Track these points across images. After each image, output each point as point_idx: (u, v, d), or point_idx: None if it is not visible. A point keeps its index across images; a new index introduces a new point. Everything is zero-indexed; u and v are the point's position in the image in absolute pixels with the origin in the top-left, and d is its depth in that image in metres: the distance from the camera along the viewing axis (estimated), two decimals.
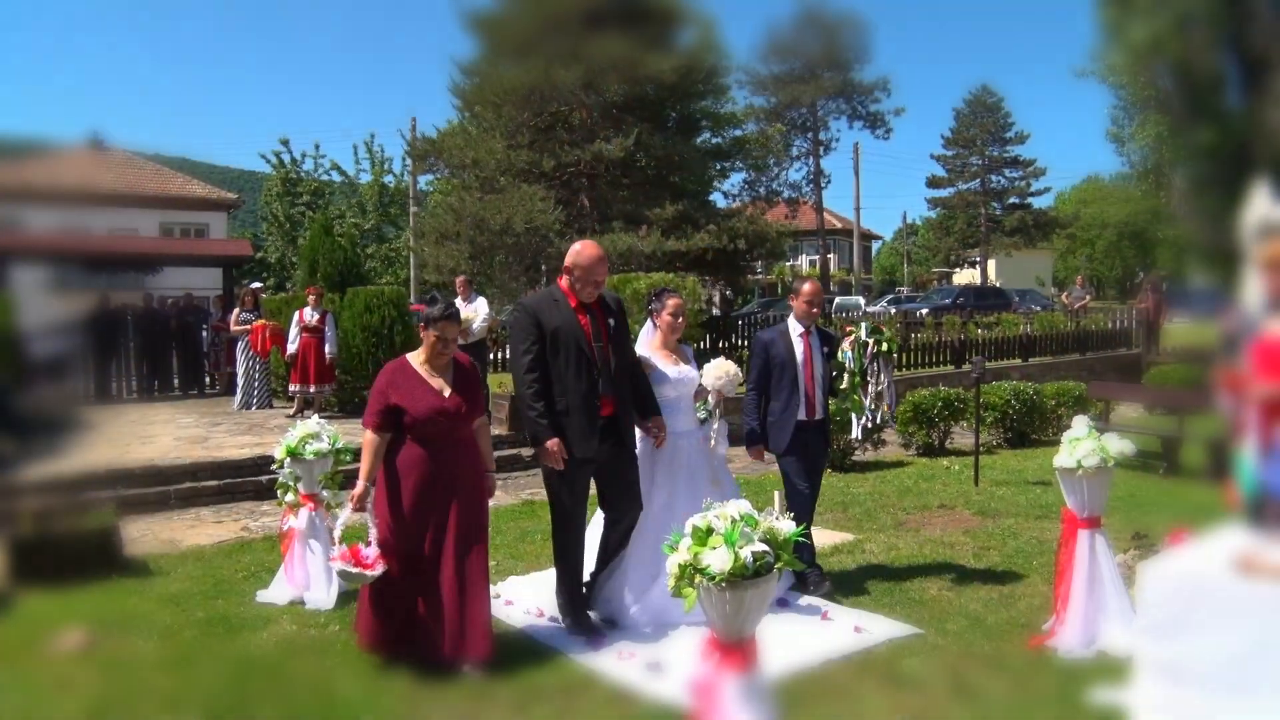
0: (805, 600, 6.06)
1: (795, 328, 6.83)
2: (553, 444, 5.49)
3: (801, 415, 6.61)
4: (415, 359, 5.37)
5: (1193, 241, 4.68)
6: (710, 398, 6.48)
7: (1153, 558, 4.79)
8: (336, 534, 5.15)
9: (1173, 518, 5.92)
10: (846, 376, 7.29)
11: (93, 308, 9.63)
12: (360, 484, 5.16)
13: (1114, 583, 5.42)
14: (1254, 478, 3.96)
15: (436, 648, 5.00)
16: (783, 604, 5.95)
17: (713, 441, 6.28)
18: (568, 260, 5.69)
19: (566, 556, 5.74)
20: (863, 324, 8.03)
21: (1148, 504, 8.88)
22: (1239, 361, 5.04)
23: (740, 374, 6.60)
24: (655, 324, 6.27)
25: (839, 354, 7.31)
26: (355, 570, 5.00)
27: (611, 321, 5.74)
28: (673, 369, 6.14)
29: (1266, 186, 3.70)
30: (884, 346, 9.42)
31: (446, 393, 5.25)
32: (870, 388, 10.10)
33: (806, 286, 6.88)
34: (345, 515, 5.20)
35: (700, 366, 6.47)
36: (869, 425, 7.58)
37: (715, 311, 26.21)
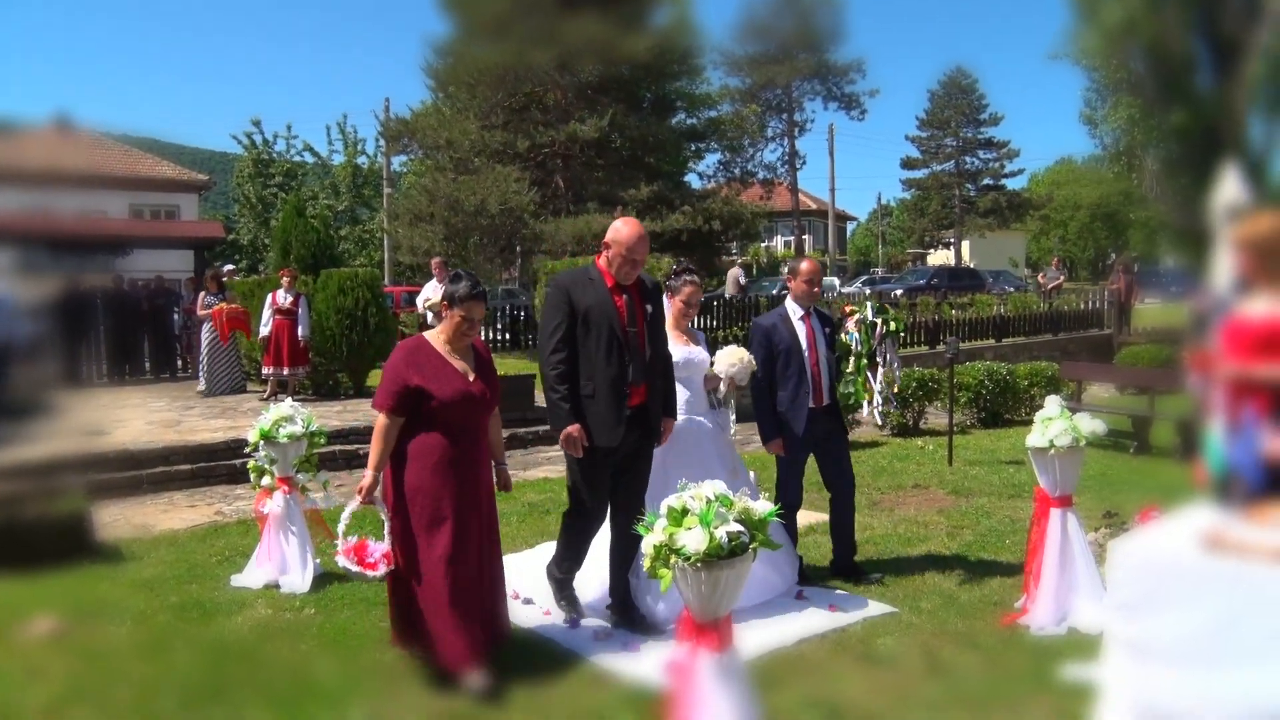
0: (780, 579, 6.05)
1: (795, 310, 6.44)
2: (573, 430, 5.22)
3: (811, 403, 6.27)
4: (435, 339, 4.94)
5: (1164, 223, 4.72)
6: (722, 385, 6.18)
7: (1123, 536, 4.85)
8: (342, 527, 4.80)
9: (1143, 496, 5.98)
10: (853, 359, 7.19)
11: (61, 291, 9.47)
12: (368, 474, 4.77)
13: (1085, 561, 5.48)
14: (1221, 456, 4.02)
15: (453, 647, 4.66)
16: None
17: (733, 430, 6.10)
18: (607, 237, 5.41)
19: (572, 543, 5.54)
20: (868, 304, 7.93)
21: (1119, 483, 8.99)
22: (1209, 342, 5.11)
23: (753, 362, 6.26)
24: (669, 302, 6.08)
25: (843, 335, 7.09)
26: (357, 570, 4.71)
27: (649, 307, 5.48)
28: (682, 349, 6.01)
29: (1236, 168, 3.73)
30: (891, 326, 9.38)
31: (471, 377, 4.87)
32: (880, 369, 10.07)
33: (805, 265, 6.50)
34: (352, 507, 4.84)
35: (710, 350, 6.34)
36: (881, 407, 7.49)
37: (727, 293, 25.74)
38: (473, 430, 4.88)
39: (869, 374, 6.95)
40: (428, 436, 4.77)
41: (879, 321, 7.62)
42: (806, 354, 6.30)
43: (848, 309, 7.63)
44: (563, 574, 5.63)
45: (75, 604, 5.87)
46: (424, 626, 4.68)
